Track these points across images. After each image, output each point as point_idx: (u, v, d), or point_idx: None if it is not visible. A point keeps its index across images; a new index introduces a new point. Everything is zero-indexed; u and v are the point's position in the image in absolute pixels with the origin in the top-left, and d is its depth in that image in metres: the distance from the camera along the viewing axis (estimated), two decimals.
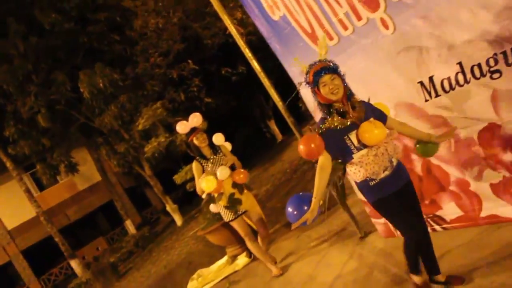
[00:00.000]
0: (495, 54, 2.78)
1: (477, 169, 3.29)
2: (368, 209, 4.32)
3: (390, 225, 4.18)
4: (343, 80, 2.84)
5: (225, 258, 7.64)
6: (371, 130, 2.82)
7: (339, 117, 2.87)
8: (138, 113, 13.81)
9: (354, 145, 2.90)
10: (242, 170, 5.36)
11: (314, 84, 2.86)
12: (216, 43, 15.00)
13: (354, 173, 2.96)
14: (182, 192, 22.21)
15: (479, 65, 2.88)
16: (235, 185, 5.30)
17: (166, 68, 15.56)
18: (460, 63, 2.97)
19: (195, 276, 7.82)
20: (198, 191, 5.51)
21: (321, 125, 2.92)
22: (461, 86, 3.03)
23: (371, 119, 2.89)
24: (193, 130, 5.35)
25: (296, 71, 4.17)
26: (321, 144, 2.89)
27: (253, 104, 21.89)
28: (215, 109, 18.65)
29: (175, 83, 17.15)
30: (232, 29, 4.47)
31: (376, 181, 2.94)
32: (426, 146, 3.09)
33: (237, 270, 6.99)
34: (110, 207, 25.42)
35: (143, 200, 28.90)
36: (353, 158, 2.93)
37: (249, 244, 5.53)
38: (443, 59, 3.03)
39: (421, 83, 3.25)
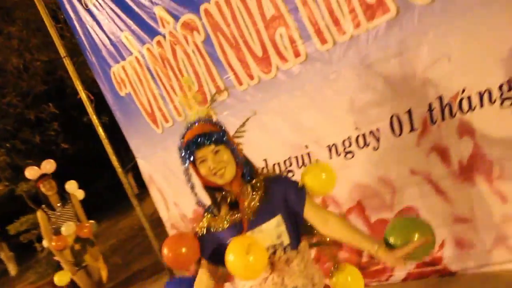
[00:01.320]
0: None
1: None
2: None
3: None
4: (234, 154, 1.89)
5: None
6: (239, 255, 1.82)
7: (227, 211, 1.93)
8: None
9: None
10: (86, 225, 5.41)
11: (186, 160, 1.89)
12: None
13: None
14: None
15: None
16: (78, 239, 5.34)
17: (24, 108, 14.97)
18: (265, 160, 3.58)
19: None
20: (45, 243, 5.46)
21: (203, 219, 2.02)
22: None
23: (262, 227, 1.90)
24: (42, 176, 5.33)
25: (136, 143, 4.55)
26: (196, 249, 2.01)
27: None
28: (73, 156, 18.10)
29: (31, 124, 16.49)
30: (83, 95, 4.76)
31: None
32: None
33: None
34: None
35: None
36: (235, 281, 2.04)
37: None
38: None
39: None
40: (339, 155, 3.12)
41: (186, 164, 1.90)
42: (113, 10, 3.99)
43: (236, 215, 1.90)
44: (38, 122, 16.87)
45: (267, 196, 1.91)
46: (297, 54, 3.05)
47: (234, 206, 1.91)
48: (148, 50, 3.85)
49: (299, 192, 1.97)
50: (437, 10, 2.54)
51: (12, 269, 18.63)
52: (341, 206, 3.23)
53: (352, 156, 3.05)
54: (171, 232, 4.64)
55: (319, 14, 2.86)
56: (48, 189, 5.31)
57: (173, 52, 3.68)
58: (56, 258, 5.40)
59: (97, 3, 4.09)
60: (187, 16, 3.48)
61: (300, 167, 3.35)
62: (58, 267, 6.78)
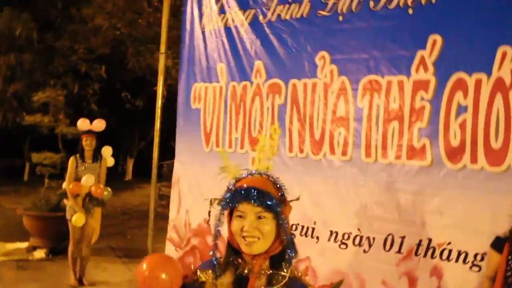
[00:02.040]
0: None
1: None
2: None
3: None
4: (278, 230, 1.66)
5: (25, 244, 8.06)
6: None
7: (230, 283, 1.70)
8: (31, 80, 13.87)
9: None
10: (101, 186, 6.12)
11: (226, 204, 1.70)
12: (136, 71, 15.87)
13: None
14: (10, 165, 21.53)
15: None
16: (89, 195, 6.04)
17: (82, 60, 15.97)
18: None
19: None
20: (64, 185, 6.18)
21: (202, 268, 1.75)
22: None
23: None
24: (88, 132, 6.13)
25: (181, 148, 5.27)
26: (177, 285, 1.78)
27: (126, 135, 22.46)
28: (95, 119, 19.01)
29: (78, 74, 17.44)
30: (160, 88, 5.53)
31: None
32: None
33: (29, 259, 7.48)
34: None
35: None
36: None
37: (70, 247, 6.18)
38: None
39: None
40: (336, 242, 3.79)
41: (222, 208, 1.70)
42: (223, 43, 4.80)
43: None
44: (84, 76, 17.86)
45: None
46: (344, 153, 3.79)
47: (241, 282, 1.66)
48: (233, 87, 4.63)
49: None
50: (459, 177, 3.26)
51: None
52: (317, 280, 3.87)
53: (345, 248, 3.73)
54: (170, 231, 5.27)
55: (375, 134, 3.61)
56: (87, 145, 6.11)
57: (252, 100, 4.44)
58: (68, 201, 6.09)
59: (213, 32, 4.91)
60: (277, 80, 4.27)
61: (302, 236, 4.02)
62: (55, 208, 7.52)
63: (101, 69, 17.06)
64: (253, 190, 1.63)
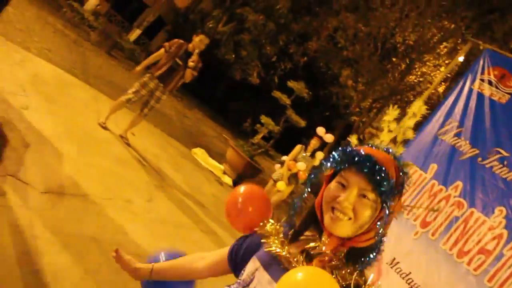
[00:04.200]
0: None
1: None
2: None
3: None
4: (378, 221, 1.39)
5: (221, 166, 10.86)
6: None
7: (299, 252, 1.45)
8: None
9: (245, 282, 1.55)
10: (306, 174, 8.63)
11: (330, 164, 1.43)
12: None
13: None
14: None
15: None
16: (295, 174, 8.75)
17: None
18: None
19: (199, 150, 11.02)
20: (287, 158, 9.06)
21: (272, 226, 1.59)
22: None
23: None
24: (319, 136, 8.81)
25: None
26: (256, 223, 1.65)
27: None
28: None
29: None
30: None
31: None
32: None
33: (219, 177, 10.22)
34: None
35: None
36: None
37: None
38: None
39: None
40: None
41: (325, 166, 1.45)
42: (440, 147, 6.58)
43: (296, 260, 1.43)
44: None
45: None
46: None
47: (307, 256, 1.43)
48: (415, 171, 6.29)
49: None
50: None
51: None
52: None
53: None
54: None
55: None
56: (314, 144, 8.86)
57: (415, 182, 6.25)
58: (280, 169, 9.01)
59: (445, 133, 6.88)
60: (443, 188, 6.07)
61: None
62: (251, 157, 10.22)
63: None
64: (370, 161, 1.34)
